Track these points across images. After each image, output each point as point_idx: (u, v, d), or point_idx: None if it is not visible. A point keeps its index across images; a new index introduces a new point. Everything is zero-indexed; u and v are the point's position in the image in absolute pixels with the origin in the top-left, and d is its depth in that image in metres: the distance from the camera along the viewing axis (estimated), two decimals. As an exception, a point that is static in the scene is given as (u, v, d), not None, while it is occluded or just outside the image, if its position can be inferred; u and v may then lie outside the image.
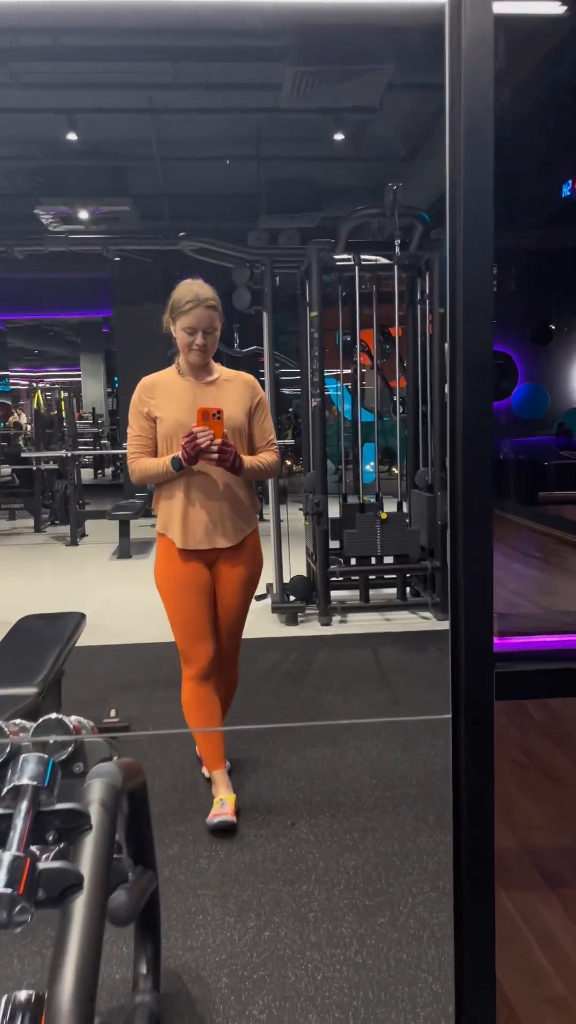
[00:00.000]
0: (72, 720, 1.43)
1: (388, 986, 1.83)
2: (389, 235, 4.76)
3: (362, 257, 4.90)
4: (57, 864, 1.07)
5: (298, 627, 4.80)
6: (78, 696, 3.64)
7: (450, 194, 1.22)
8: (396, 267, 4.87)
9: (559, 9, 1.83)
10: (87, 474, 13.68)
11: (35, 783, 1.17)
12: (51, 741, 1.34)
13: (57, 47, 5.27)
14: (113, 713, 3.33)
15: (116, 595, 5.83)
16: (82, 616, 3.35)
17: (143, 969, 1.78)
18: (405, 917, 2.08)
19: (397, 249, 4.71)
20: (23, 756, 1.21)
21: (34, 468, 9.18)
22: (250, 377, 2.69)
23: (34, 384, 20.80)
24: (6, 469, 11.01)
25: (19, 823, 1.11)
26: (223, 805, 2.55)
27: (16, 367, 18.00)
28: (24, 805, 1.14)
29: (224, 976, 1.88)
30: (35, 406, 11.34)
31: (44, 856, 1.15)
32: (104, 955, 1.92)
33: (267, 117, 6.38)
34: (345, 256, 4.92)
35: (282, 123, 6.39)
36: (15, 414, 17.44)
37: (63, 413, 9.58)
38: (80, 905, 1.07)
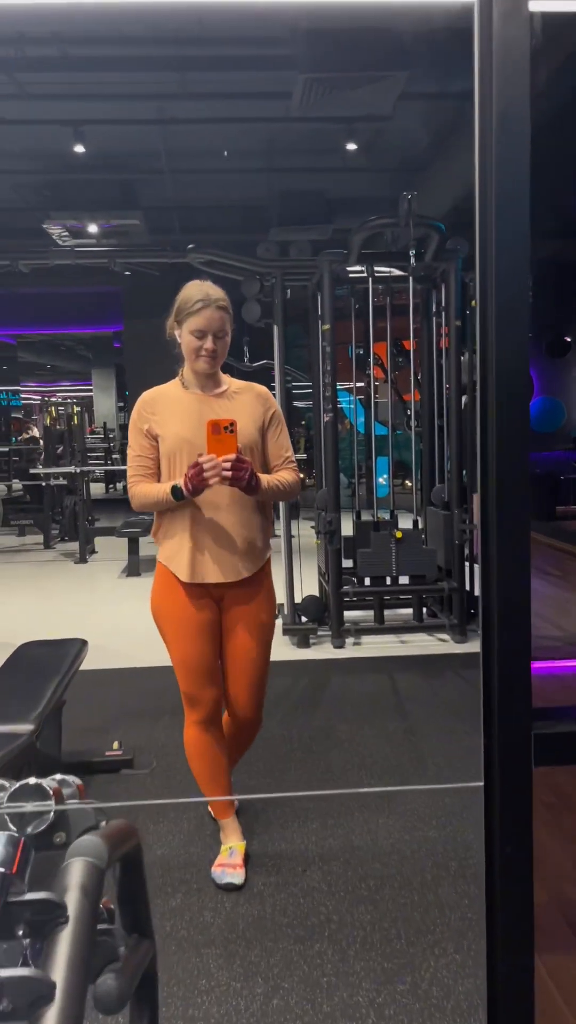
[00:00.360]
0: (54, 782, 1.27)
1: (409, 1066, 1.66)
2: (403, 246, 4.62)
3: (375, 268, 4.76)
4: (22, 972, 0.91)
5: (310, 649, 4.63)
6: (81, 724, 3.50)
7: (480, 190, 1.06)
8: (411, 279, 4.72)
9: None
10: (98, 489, 13.61)
11: (3, 870, 1.02)
12: (26, 811, 1.18)
13: (64, 58, 5.18)
14: (116, 745, 3.17)
15: (123, 616, 5.68)
16: (83, 643, 3.20)
17: (138, 1047, 1.61)
18: (427, 984, 1.90)
19: (412, 260, 4.57)
20: (-11, 836, 1.05)
21: (43, 484, 9.08)
22: (262, 388, 2.42)
23: (46, 399, 20.82)
24: (17, 484, 10.93)
25: (-19, 920, 0.96)
26: (231, 854, 2.38)
27: (28, 382, 17.99)
28: (-12, 896, 0.99)
29: (228, 1052, 1.71)
30: (46, 421, 11.26)
31: (20, 952, 0.99)
32: (97, 1029, 1.76)
33: (278, 127, 6.28)
34: (358, 268, 4.78)
35: (293, 133, 6.28)
36: (29, 429, 17.42)
37: (72, 428, 9.47)
38: (51, 1018, 0.91)
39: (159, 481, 2.33)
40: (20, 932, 1.01)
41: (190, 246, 4.65)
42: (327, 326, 4.61)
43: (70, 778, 1.37)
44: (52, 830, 1.22)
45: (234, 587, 2.32)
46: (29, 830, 1.18)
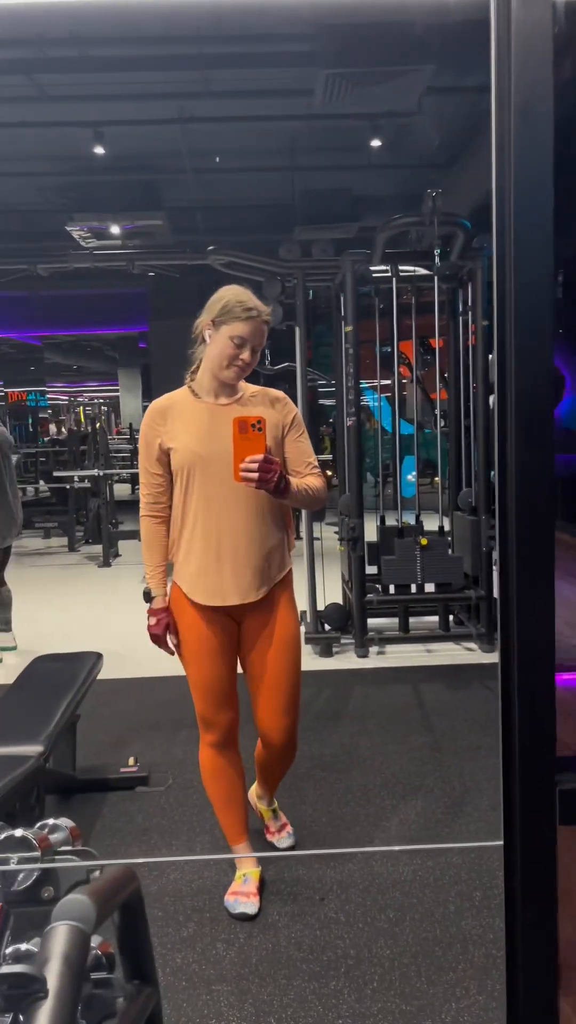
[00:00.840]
0: (41, 830, 1.19)
1: None
2: (428, 244, 4.50)
3: (400, 268, 4.64)
4: (-8, 1060, 0.83)
5: (333, 659, 4.54)
6: (97, 738, 3.44)
7: (496, 185, 0.96)
8: (436, 278, 4.60)
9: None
10: (124, 490, 13.60)
11: (-25, 940, 0.94)
12: (13, 863, 1.10)
13: (83, 59, 5.13)
14: (132, 761, 3.10)
15: (144, 622, 5.61)
16: (98, 656, 3.14)
17: None
18: (448, 1027, 1.80)
19: (437, 259, 4.45)
20: (-37, 903, 0.97)
21: (68, 487, 9.07)
22: (279, 393, 2.28)
23: (73, 399, 20.92)
24: (44, 486, 10.95)
25: (-51, 999, 0.88)
26: (245, 882, 2.29)
27: (54, 382, 18.06)
28: (-40, 971, 0.91)
29: None
30: (70, 424, 11.27)
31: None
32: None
33: (301, 125, 6.18)
34: (382, 267, 4.67)
35: (317, 130, 6.17)
36: (59, 430, 17.47)
37: (95, 431, 9.44)
38: None
39: (171, 497, 2.23)
40: (-5, 1007, 0.93)
41: (210, 248, 4.58)
42: (349, 327, 4.50)
43: (62, 822, 1.29)
44: (39, 885, 1.14)
45: (254, 606, 2.21)
46: (13, 887, 1.10)
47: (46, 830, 1.24)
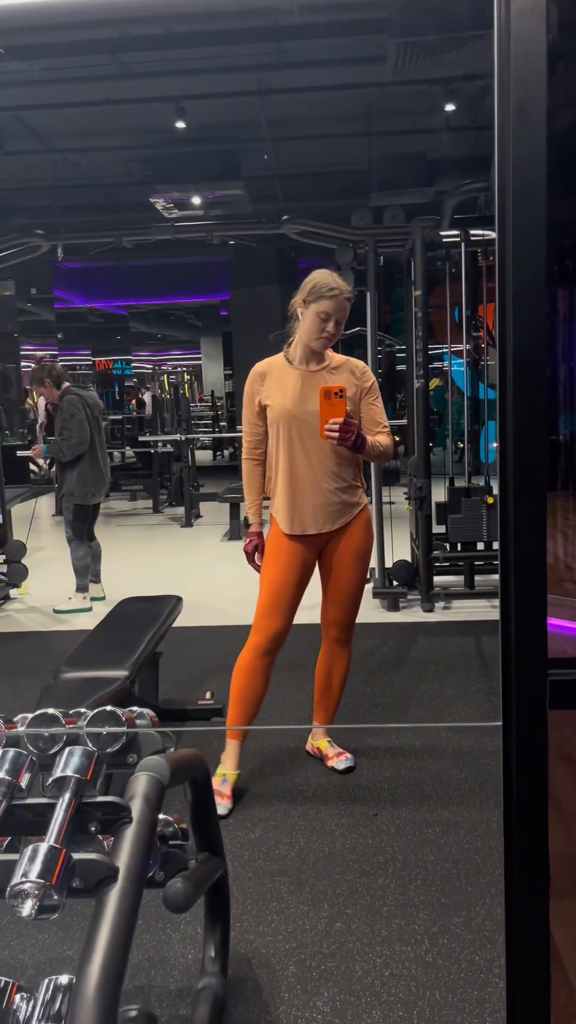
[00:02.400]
0: (129, 711, 1.46)
1: (456, 988, 1.80)
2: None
3: (471, 232, 4.74)
4: (91, 856, 1.10)
5: (399, 613, 4.75)
6: (178, 676, 3.75)
7: (499, 177, 1.15)
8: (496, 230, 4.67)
9: None
10: (206, 456, 13.98)
11: (78, 775, 1.21)
12: (103, 732, 1.37)
13: (164, 36, 5.34)
14: (208, 695, 3.39)
15: (222, 577, 5.94)
16: (178, 599, 3.43)
17: (211, 953, 1.82)
18: (481, 918, 2.03)
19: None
20: (68, 749, 1.25)
21: (152, 451, 9.46)
22: (360, 363, 2.73)
23: (157, 367, 21.41)
24: (129, 452, 11.41)
25: (60, 814, 1.15)
26: (224, 782, 2.63)
27: (139, 351, 18.54)
28: (66, 797, 1.18)
29: (292, 965, 1.89)
30: (156, 392, 11.66)
31: (87, 847, 1.19)
32: (177, 936, 1.99)
33: (376, 92, 6.25)
34: (452, 232, 4.77)
35: (391, 97, 6.24)
36: (139, 394, 17.95)
37: (178, 397, 9.79)
38: (114, 895, 1.10)
39: (267, 445, 2.72)
40: (92, 828, 1.20)
41: (284, 217, 4.76)
42: (419, 292, 4.64)
43: (145, 711, 1.56)
44: (125, 751, 1.41)
45: (331, 534, 2.67)
46: (105, 749, 1.38)
47: (133, 714, 1.51)
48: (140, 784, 1.26)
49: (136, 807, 1.21)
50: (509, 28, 1.12)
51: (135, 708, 1.53)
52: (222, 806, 2.55)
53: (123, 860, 1.13)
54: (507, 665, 1.23)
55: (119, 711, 1.41)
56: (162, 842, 1.54)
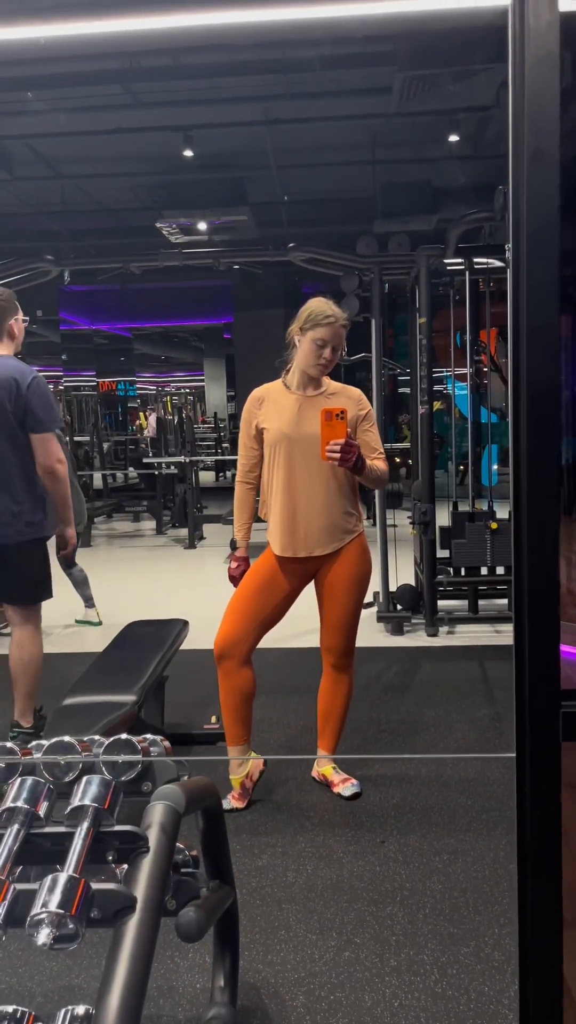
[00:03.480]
0: (143, 739, 1.47)
1: (466, 1019, 1.79)
2: (502, 238, 4.64)
3: (474, 261, 4.79)
4: (110, 886, 1.11)
5: (404, 637, 4.75)
6: (183, 700, 3.75)
7: (513, 217, 1.18)
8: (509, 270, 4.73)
9: None
10: (208, 477, 14.02)
11: (96, 804, 1.22)
12: (119, 760, 1.38)
13: (174, 67, 5.43)
14: (213, 719, 3.39)
15: (225, 599, 5.93)
16: (185, 623, 3.45)
17: (220, 982, 1.81)
18: (490, 948, 2.03)
19: (508, 253, 4.57)
20: (86, 778, 1.26)
21: (155, 473, 9.50)
22: (356, 390, 2.78)
23: (161, 389, 21.52)
24: (133, 473, 11.45)
25: (78, 844, 1.16)
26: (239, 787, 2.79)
27: (143, 372, 18.64)
28: (84, 826, 1.19)
29: (301, 995, 1.89)
30: (159, 412, 11.72)
31: (103, 876, 1.20)
32: (186, 965, 1.98)
33: (381, 121, 6.34)
34: (456, 260, 4.83)
35: (396, 126, 6.33)
36: (144, 416, 18.03)
37: (182, 419, 9.84)
38: (132, 926, 1.11)
39: (261, 468, 2.76)
40: (109, 857, 1.21)
41: (290, 245, 4.82)
42: (423, 319, 4.68)
43: (159, 738, 1.57)
44: (140, 780, 1.42)
45: (327, 557, 2.71)
46: (120, 777, 1.39)
47: (146, 742, 1.52)
48: (157, 813, 1.27)
49: (153, 836, 1.22)
50: (523, 78, 1.16)
51: (149, 736, 1.54)
52: (227, 802, 2.70)
53: (140, 890, 1.14)
54: (520, 697, 1.25)
55: (134, 739, 1.42)
56: (174, 870, 1.55)
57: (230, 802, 2.74)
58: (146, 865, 1.18)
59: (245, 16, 3.99)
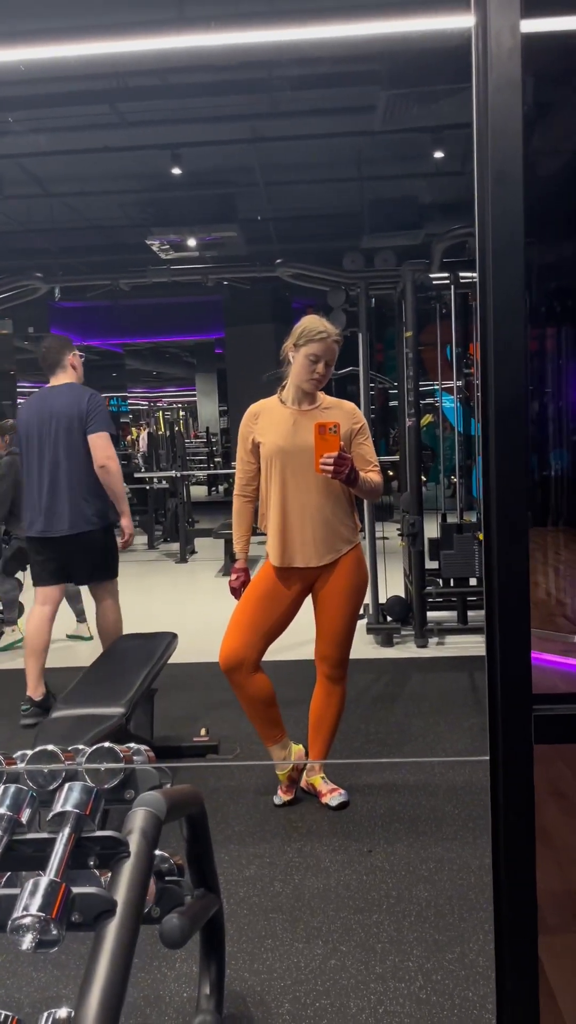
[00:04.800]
0: (126, 748, 1.49)
1: (450, 1025, 1.81)
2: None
3: (460, 275, 4.86)
4: (90, 889, 1.14)
5: (393, 648, 4.77)
6: (173, 713, 3.77)
7: (479, 237, 1.22)
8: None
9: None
10: (201, 492, 14.06)
11: (78, 811, 1.24)
12: (102, 768, 1.41)
13: (161, 86, 5.50)
14: (203, 732, 3.41)
15: (217, 613, 5.95)
16: (173, 636, 3.47)
17: (207, 990, 1.83)
18: (475, 954, 2.04)
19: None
20: (68, 784, 1.28)
21: (147, 487, 9.53)
22: (350, 405, 2.85)
23: (153, 404, 21.59)
24: (125, 488, 11.48)
25: (59, 849, 1.19)
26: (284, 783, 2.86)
27: (135, 388, 18.71)
28: (66, 831, 1.22)
29: (287, 1002, 1.90)
30: (151, 427, 11.77)
31: (85, 882, 1.22)
32: (173, 974, 1.99)
33: (368, 139, 6.42)
34: (442, 275, 4.89)
35: (382, 143, 6.42)
36: (138, 433, 18.07)
37: (173, 434, 9.88)
38: (112, 929, 1.13)
39: (259, 482, 2.82)
40: (91, 862, 1.23)
41: (278, 261, 4.88)
42: (410, 333, 4.74)
43: (142, 747, 1.60)
44: (123, 787, 1.44)
45: (324, 568, 2.74)
46: (103, 785, 1.41)
47: (130, 750, 1.55)
48: (137, 819, 1.29)
49: (134, 841, 1.25)
50: (487, 103, 1.20)
51: (132, 744, 1.56)
52: (277, 797, 2.86)
53: (121, 894, 1.17)
54: (493, 701, 1.28)
55: (117, 748, 1.44)
56: (158, 878, 1.57)
57: (280, 796, 2.85)
58: (127, 869, 1.21)
59: (229, 39, 4.07)
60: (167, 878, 1.60)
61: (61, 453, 3.64)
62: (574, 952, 2.11)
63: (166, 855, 1.61)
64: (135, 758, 1.54)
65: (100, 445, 3.64)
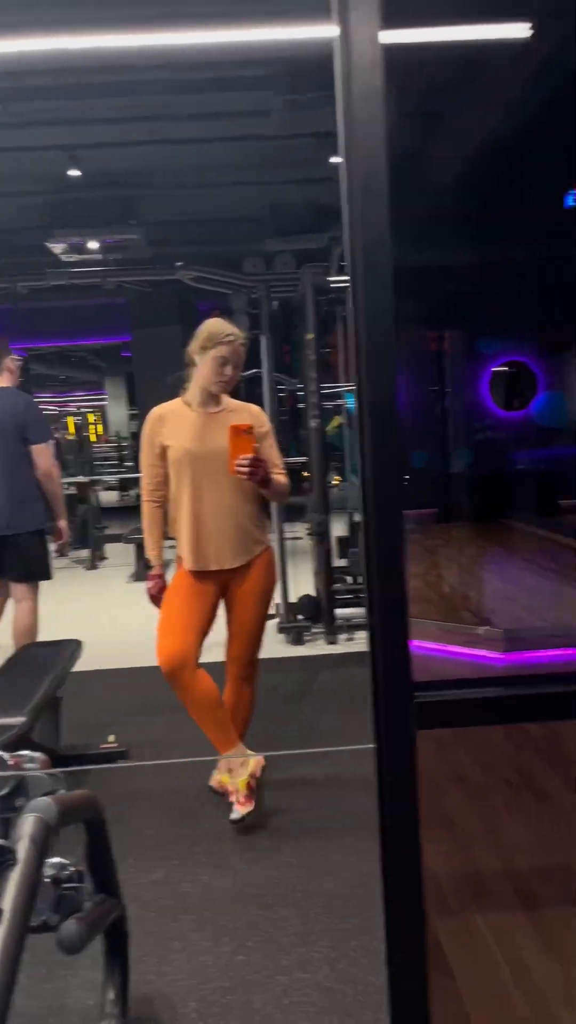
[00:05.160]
0: (16, 755, 1.48)
1: (354, 1010, 1.85)
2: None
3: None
4: (-26, 899, 1.12)
5: (304, 646, 4.83)
6: (81, 720, 3.71)
7: (349, 243, 1.26)
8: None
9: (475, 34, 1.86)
10: (112, 496, 13.85)
11: (-38, 821, 1.22)
12: (-9, 777, 1.39)
13: (57, 87, 5.41)
14: (111, 738, 3.38)
15: (129, 618, 5.90)
16: (78, 643, 3.42)
17: (111, 995, 1.82)
18: (379, 941, 2.07)
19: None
20: (-49, 795, 1.26)
21: (55, 494, 9.34)
22: (256, 408, 2.87)
23: (61, 409, 21.16)
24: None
25: (-58, 859, 1.17)
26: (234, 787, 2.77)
27: (42, 393, 18.31)
28: (-50, 842, 1.20)
29: (193, 1001, 1.91)
30: (59, 433, 11.54)
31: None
32: (77, 982, 1.98)
33: (270, 142, 6.47)
34: (342, 278, 4.97)
35: (281, 148, 6.47)
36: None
37: (81, 439, 9.73)
38: (-1, 938, 1.12)
39: (167, 487, 2.78)
40: (-23, 872, 1.21)
41: (178, 263, 4.87)
42: (311, 335, 4.80)
43: (36, 754, 1.58)
44: (13, 795, 1.42)
45: (235, 571, 2.75)
46: (-8, 794, 1.39)
47: (21, 758, 1.53)
48: (26, 825, 1.28)
49: (21, 848, 1.24)
50: (351, 112, 1.24)
51: (24, 752, 1.54)
52: (235, 812, 2.69)
53: (7, 901, 1.16)
54: (376, 688, 1.32)
55: (5, 755, 1.42)
56: (56, 885, 1.56)
57: (237, 810, 2.70)
58: (13, 877, 1.20)
59: (127, 40, 4.04)
60: (65, 884, 1.59)
61: None
62: (472, 933, 2.19)
63: (65, 862, 1.59)
64: (27, 765, 1.53)
65: (45, 455, 3.82)
